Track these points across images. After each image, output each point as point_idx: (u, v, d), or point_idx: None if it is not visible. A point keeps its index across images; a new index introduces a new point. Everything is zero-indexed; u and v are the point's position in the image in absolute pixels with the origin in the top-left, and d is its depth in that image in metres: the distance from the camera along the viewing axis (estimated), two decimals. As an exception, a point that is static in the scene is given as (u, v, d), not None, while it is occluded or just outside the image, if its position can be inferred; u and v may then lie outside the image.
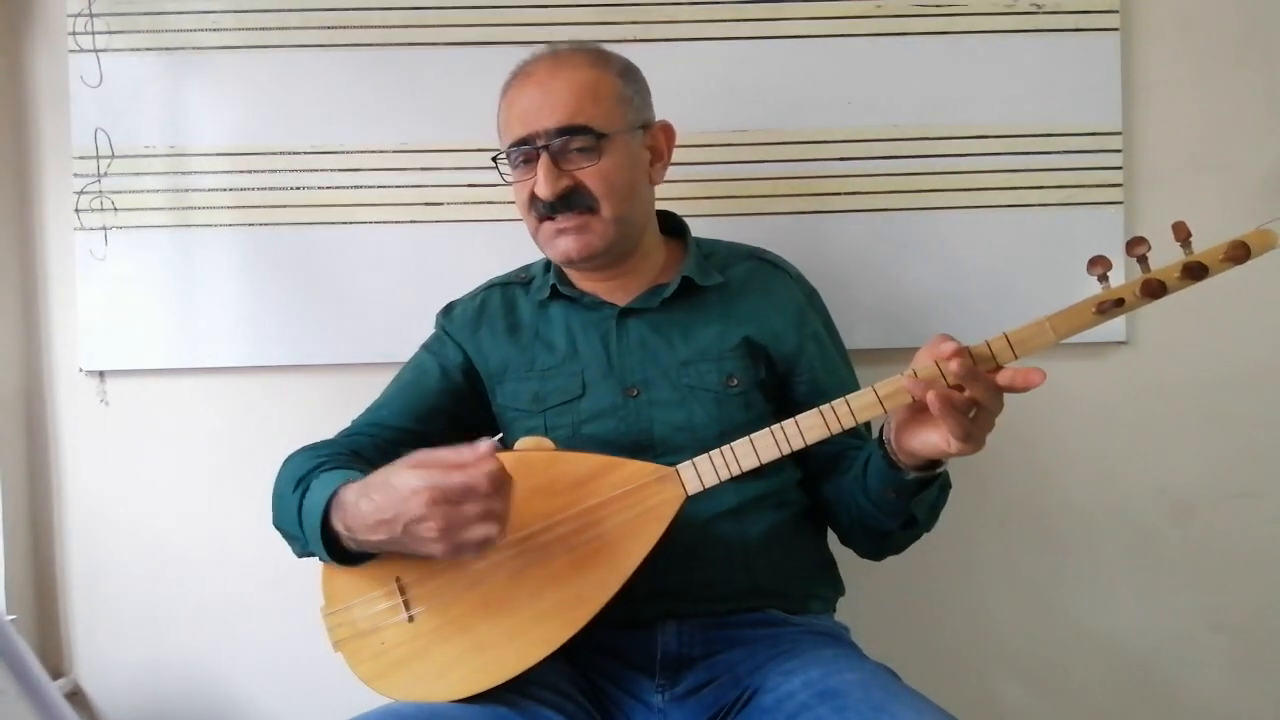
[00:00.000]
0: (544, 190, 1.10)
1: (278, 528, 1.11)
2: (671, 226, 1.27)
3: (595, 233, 1.12)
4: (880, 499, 1.06)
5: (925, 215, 1.54)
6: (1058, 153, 1.54)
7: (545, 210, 1.12)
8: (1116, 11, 1.54)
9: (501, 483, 0.89)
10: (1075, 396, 1.58)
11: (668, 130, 1.22)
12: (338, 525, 0.98)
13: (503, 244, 1.48)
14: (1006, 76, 1.54)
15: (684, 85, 1.51)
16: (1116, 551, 1.60)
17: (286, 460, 1.13)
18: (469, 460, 0.90)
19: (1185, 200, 1.56)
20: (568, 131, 1.10)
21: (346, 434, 1.19)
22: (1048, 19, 1.54)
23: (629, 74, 1.18)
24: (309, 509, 1.01)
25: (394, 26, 1.52)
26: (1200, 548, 1.59)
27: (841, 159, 1.54)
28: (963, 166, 1.54)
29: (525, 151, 1.12)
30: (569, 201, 1.11)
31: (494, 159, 1.17)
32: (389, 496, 0.92)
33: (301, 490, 1.04)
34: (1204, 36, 1.56)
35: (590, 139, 1.11)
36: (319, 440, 1.17)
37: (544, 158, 1.10)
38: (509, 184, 1.18)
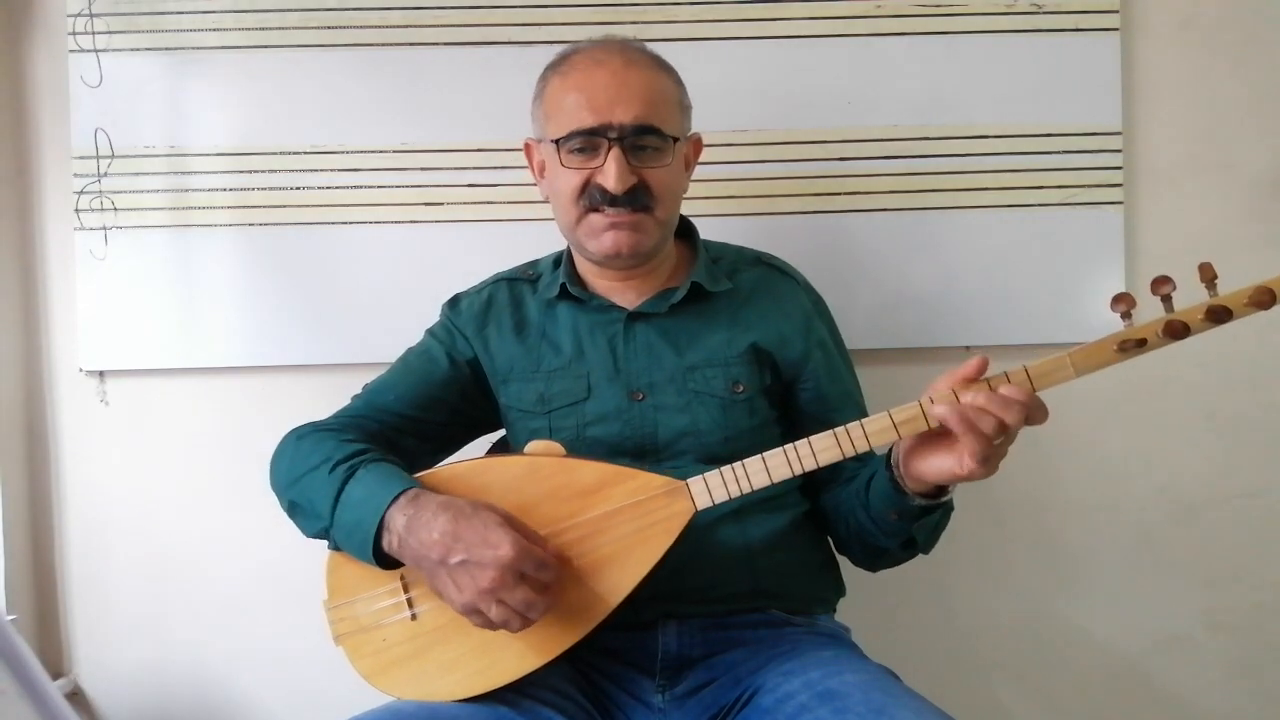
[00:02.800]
0: (615, 184, 1.09)
1: (290, 500, 1.09)
2: (680, 229, 1.26)
3: (647, 233, 1.13)
4: (882, 519, 1.06)
5: (925, 215, 1.54)
6: (1058, 153, 1.54)
7: (603, 201, 1.10)
8: (1117, 11, 1.54)
9: (551, 583, 0.96)
10: (1076, 396, 1.57)
11: (698, 143, 1.23)
12: (398, 518, 0.98)
13: (503, 244, 1.48)
14: (1006, 76, 1.54)
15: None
16: (1116, 552, 1.60)
17: (299, 436, 1.12)
18: (546, 550, 0.97)
19: (1185, 200, 1.56)
20: (644, 130, 1.10)
21: (351, 414, 1.18)
22: (1048, 19, 1.54)
23: (682, 85, 1.19)
24: (358, 499, 1.01)
25: (394, 26, 1.52)
26: (1200, 548, 1.59)
27: (841, 159, 1.54)
28: (963, 166, 1.54)
29: (592, 140, 1.10)
30: (631, 198, 1.10)
31: (555, 141, 1.12)
32: (469, 530, 0.94)
33: (345, 474, 1.03)
34: (1204, 36, 1.56)
35: (660, 140, 1.11)
36: (324, 420, 1.16)
37: (616, 150, 1.09)
38: (563, 165, 1.12)
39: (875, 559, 1.17)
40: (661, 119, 1.11)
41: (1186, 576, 1.59)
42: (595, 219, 1.12)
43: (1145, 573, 1.60)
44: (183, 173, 1.53)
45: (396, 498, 0.98)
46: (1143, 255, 1.55)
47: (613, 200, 1.10)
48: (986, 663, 1.61)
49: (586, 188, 1.11)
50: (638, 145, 1.10)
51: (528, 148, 1.22)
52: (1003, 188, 1.54)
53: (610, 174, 1.09)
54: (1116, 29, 1.54)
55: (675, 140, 1.12)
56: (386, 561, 1.01)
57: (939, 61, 1.54)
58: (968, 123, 1.54)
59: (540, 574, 0.95)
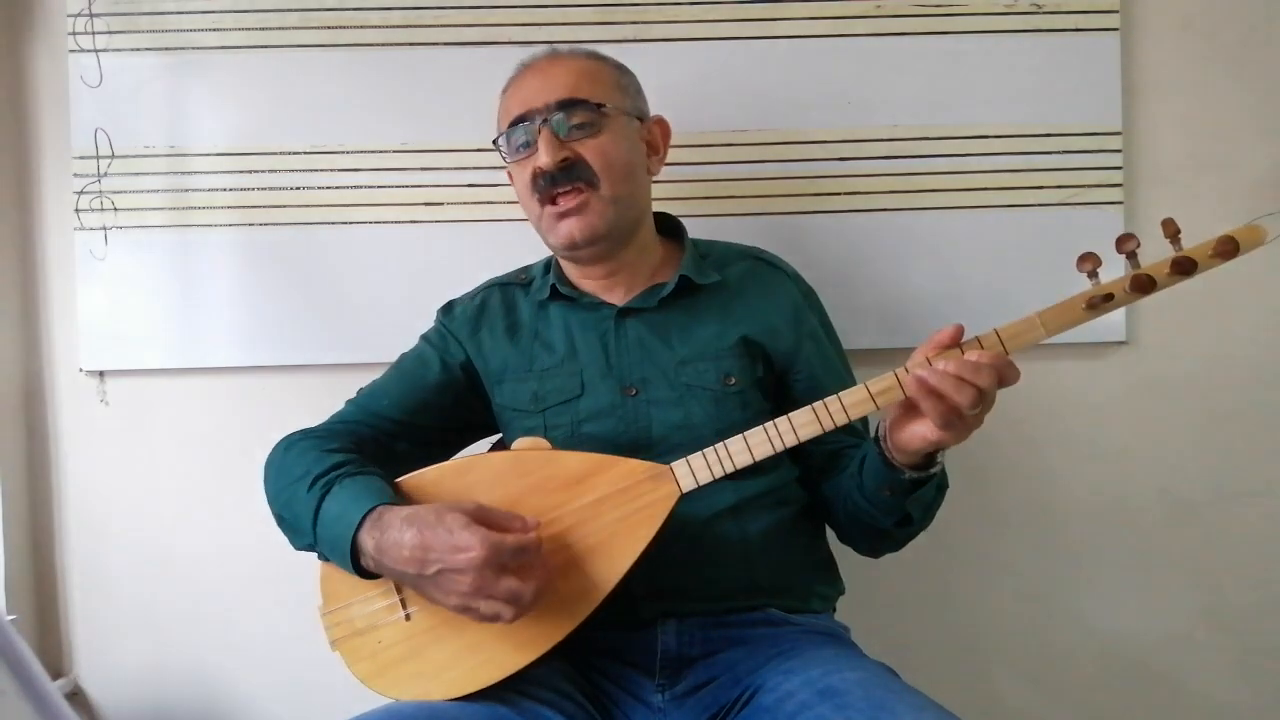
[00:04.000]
0: (545, 159, 1.11)
1: (278, 514, 1.10)
2: (668, 227, 1.27)
3: (596, 212, 1.13)
4: (876, 497, 1.06)
5: (925, 215, 1.54)
6: (1058, 153, 1.54)
7: (546, 184, 1.13)
8: (1116, 11, 1.54)
9: (536, 564, 0.95)
10: (1076, 396, 1.58)
11: (663, 125, 1.25)
12: (367, 541, 0.98)
13: (503, 244, 1.48)
14: (1006, 76, 1.54)
15: (684, 85, 1.51)
16: (1116, 550, 1.60)
17: (287, 445, 1.13)
18: (523, 529, 0.96)
19: (1185, 200, 1.56)
20: (567, 105, 1.12)
21: (344, 420, 1.18)
22: (1048, 19, 1.54)
23: (623, 69, 1.21)
24: (334, 516, 1.01)
25: (394, 26, 1.53)
26: (1199, 546, 1.59)
27: (841, 159, 1.54)
28: (962, 166, 1.54)
29: (525, 130, 1.14)
30: (570, 174, 1.12)
31: (495, 142, 1.19)
32: (437, 539, 0.94)
33: (321, 490, 1.03)
34: (1204, 36, 1.56)
35: (589, 113, 1.13)
36: (315, 427, 1.16)
37: (544, 130, 1.12)
38: (508, 164, 1.19)
39: (875, 542, 1.17)
40: (587, 92, 1.14)
41: (1187, 575, 1.59)
42: (548, 212, 1.14)
43: (1146, 572, 1.59)
44: (183, 173, 1.53)
45: (362, 520, 0.99)
46: (1142, 255, 1.55)
47: (551, 179, 1.12)
48: (986, 661, 1.61)
49: (534, 178, 1.14)
50: (569, 124, 1.12)
51: (510, 174, 1.23)
52: (1003, 188, 1.54)
53: (540, 152, 1.11)
54: (1116, 29, 1.54)
55: (601, 107, 1.14)
56: (373, 574, 1.02)
57: (939, 61, 1.54)
58: (968, 123, 1.54)
59: (520, 559, 0.94)
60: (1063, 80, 1.54)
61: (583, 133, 1.13)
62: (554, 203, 1.13)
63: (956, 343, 0.95)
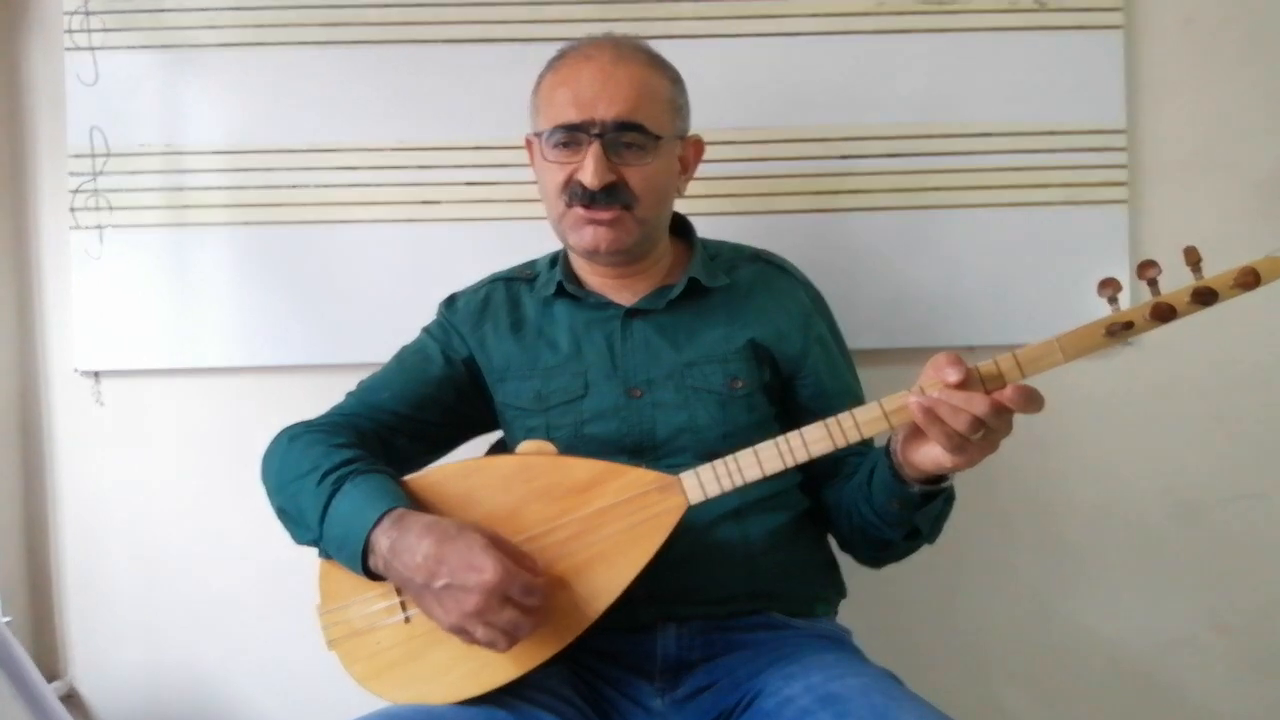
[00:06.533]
0: (592, 179, 1.08)
1: (279, 507, 1.08)
2: (677, 227, 1.26)
3: (626, 229, 1.12)
4: (884, 510, 1.05)
5: (928, 214, 1.54)
6: (1061, 151, 1.53)
7: (583, 199, 1.10)
8: (1120, 9, 1.53)
9: (538, 606, 0.94)
10: (1078, 397, 1.57)
11: (699, 146, 1.22)
12: (382, 541, 0.96)
13: (501, 242, 1.47)
14: (1010, 75, 1.53)
15: (684, 84, 1.50)
16: (1120, 553, 1.59)
17: (291, 438, 1.11)
18: (534, 570, 0.96)
19: (1189, 199, 1.55)
20: (625, 126, 1.09)
21: (344, 413, 1.16)
22: (1051, 17, 1.53)
23: (679, 83, 1.18)
24: (346, 513, 1.00)
25: (391, 24, 1.52)
26: (1204, 548, 1.58)
27: (843, 158, 1.53)
28: (965, 165, 1.53)
29: (574, 135, 1.10)
30: (610, 195, 1.10)
31: (536, 135, 1.14)
32: (453, 554, 0.92)
33: (332, 486, 1.02)
34: (1208, 34, 1.56)
35: (643, 138, 1.10)
36: (316, 419, 1.15)
37: (596, 146, 1.09)
38: (544, 159, 1.14)
39: (880, 553, 1.16)
40: (646, 116, 1.10)
41: (1191, 578, 1.58)
42: (575, 213, 1.12)
43: (1150, 574, 1.59)
44: (179, 171, 1.52)
45: (380, 519, 0.97)
46: (1147, 254, 1.50)
47: (591, 197, 1.10)
48: (989, 665, 1.60)
49: (569, 183, 1.11)
50: (620, 142, 1.10)
51: (529, 144, 1.21)
52: (1006, 186, 1.53)
53: (588, 170, 1.09)
54: (1120, 26, 1.53)
55: (658, 139, 1.11)
56: (378, 575, 1.00)
57: (941, 59, 1.53)
58: (971, 121, 1.53)
59: (526, 599, 0.93)
60: (1066, 78, 1.53)
61: (632, 155, 1.10)
62: (586, 208, 1.11)
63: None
